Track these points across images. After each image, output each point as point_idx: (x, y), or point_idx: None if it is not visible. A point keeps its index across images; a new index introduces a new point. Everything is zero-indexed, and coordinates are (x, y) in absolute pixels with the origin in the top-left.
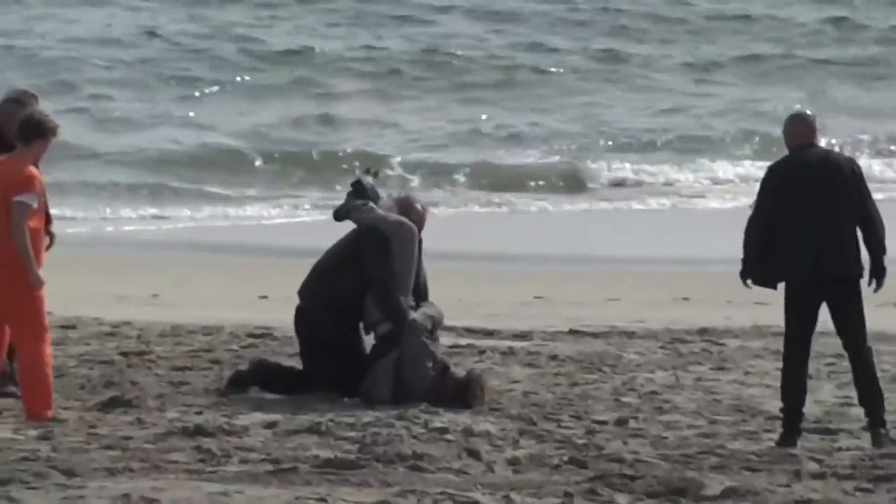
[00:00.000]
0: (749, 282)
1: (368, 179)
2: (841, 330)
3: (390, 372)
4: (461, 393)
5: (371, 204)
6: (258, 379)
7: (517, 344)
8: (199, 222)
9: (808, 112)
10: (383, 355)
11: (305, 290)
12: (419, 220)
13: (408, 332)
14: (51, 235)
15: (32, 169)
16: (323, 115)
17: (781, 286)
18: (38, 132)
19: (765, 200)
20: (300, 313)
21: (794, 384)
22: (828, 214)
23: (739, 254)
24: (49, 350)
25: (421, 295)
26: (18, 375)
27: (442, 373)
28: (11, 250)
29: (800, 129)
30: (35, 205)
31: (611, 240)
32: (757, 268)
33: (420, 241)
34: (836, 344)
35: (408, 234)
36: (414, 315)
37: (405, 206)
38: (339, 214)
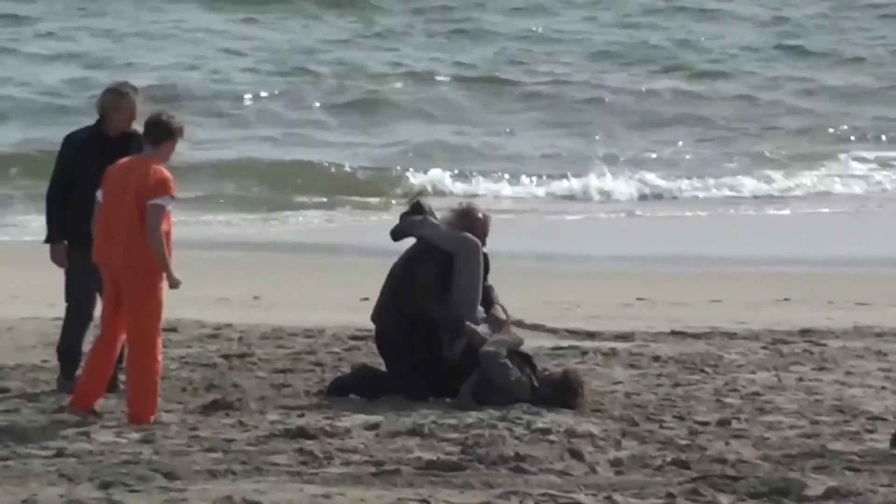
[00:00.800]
0: None
1: (426, 201)
2: None
3: (470, 394)
4: (559, 393)
5: (431, 219)
6: (359, 386)
7: (619, 345)
8: (301, 224)
9: None
10: (466, 375)
11: (378, 316)
12: (482, 230)
13: (485, 361)
14: None
15: (165, 171)
16: None
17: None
18: (166, 133)
19: None
20: (380, 339)
21: None
22: None
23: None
24: (160, 356)
25: (487, 303)
26: (126, 377)
27: (535, 378)
28: (145, 253)
29: None
30: (170, 207)
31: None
32: None
33: (485, 254)
34: None
35: (472, 250)
36: (487, 346)
37: (468, 216)
38: (398, 234)
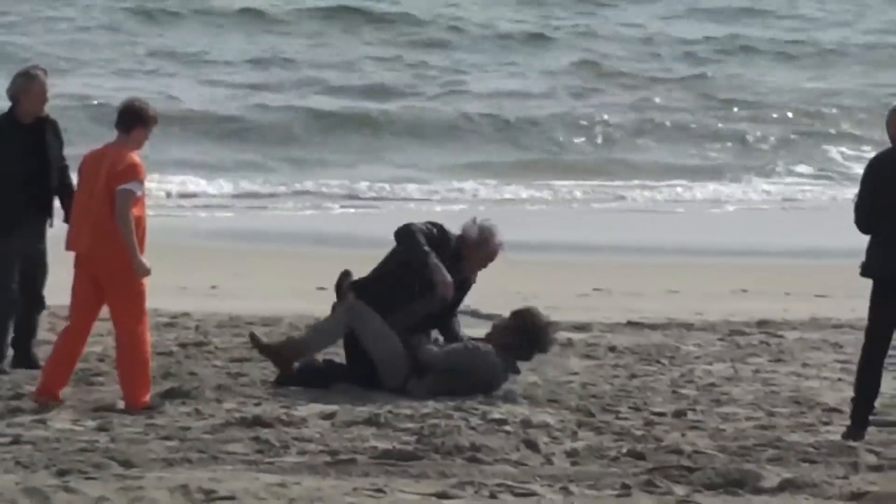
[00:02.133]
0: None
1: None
2: None
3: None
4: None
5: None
6: (312, 376)
7: (576, 336)
8: (259, 213)
9: None
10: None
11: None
12: (490, 256)
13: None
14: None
15: (136, 157)
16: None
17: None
18: (138, 120)
19: (864, 195)
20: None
21: (869, 378)
22: None
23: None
24: (149, 338)
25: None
26: (116, 362)
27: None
28: (117, 239)
29: None
30: (139, 193)
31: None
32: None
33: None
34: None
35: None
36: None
37: (486, 235)
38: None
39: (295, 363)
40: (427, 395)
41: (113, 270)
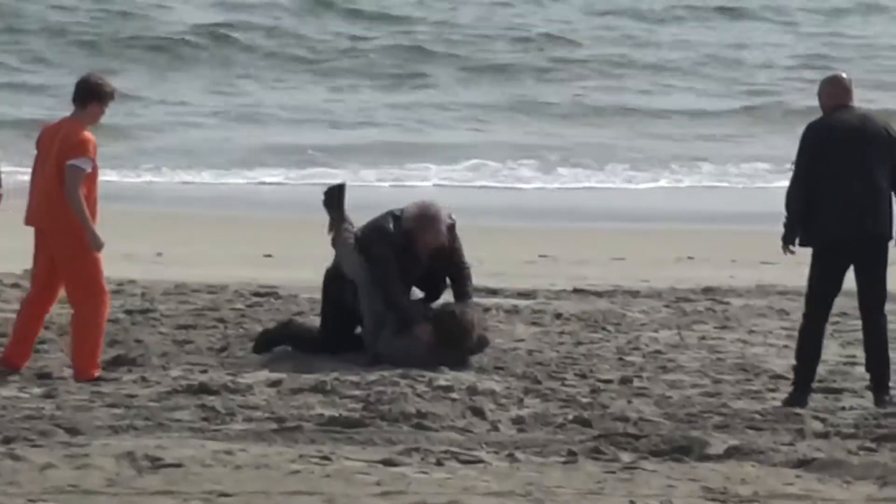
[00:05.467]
0: (792, 247)
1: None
2: (864, 292)
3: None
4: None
5: (348, 226)
6: (286, 338)
7: (521, 302)
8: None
9: (844, 74)
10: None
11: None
12: (431, 242)
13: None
14: None
15: (87, 133)
16: None
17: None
18: (94, 95)
19: (804, 161)
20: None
21: (811, 344)
22: (864, 175)
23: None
24: (106, 312)
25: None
26: (71, 334)
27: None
28: (67, 214)
29: (836, 89)
30: (88, 168)
31: None
32: (801, 228)
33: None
34: (841, 303)
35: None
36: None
37: (425, 220)
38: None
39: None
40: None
41: (64, 245)
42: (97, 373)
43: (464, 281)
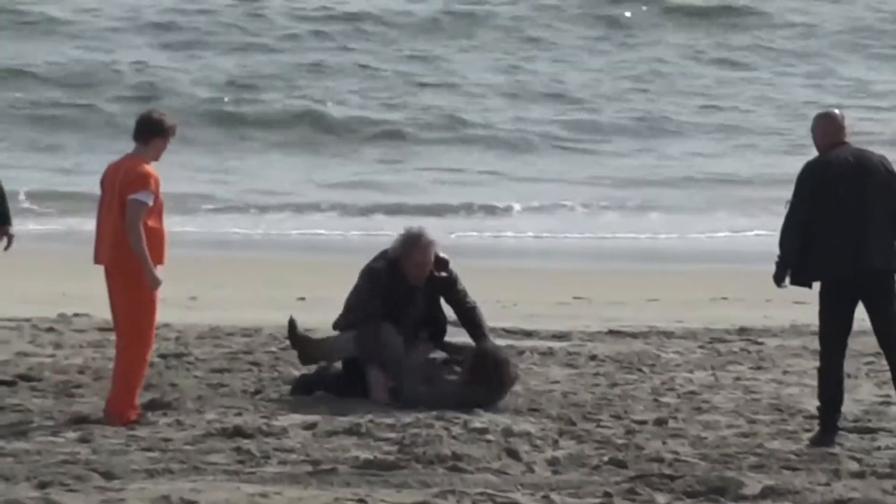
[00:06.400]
0: (785, 283)
1: None
2: (879, 329)
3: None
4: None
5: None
6: (323, 383)
7: (556, 344)
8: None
9: (836, 111)
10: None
11: None
12: (418, 261)
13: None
14: (9, 237)
15: (149, 167)
16: None
17: (816, 285)
18: (156, 131)
19: (801, 199)
20: None
21: (830, 382)
22: (865, 212)
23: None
24: (149, 356)
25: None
26: (113, 374)
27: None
28: (127, 251)
29: (829, 127)
30: (150, 203)
31: None
32: (795, 267)
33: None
34: (874, 343)
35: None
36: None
37: (409, 242)
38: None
39: (313, 363)
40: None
41: (123, 282)
42: (134, 416)
43: (475, 319)
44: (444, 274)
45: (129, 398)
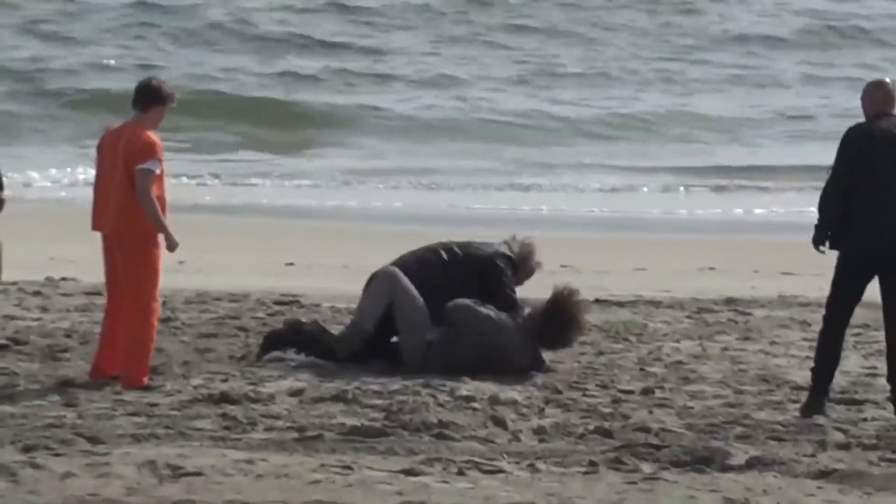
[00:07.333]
0: (823, 248)
1: None
2: (890, 304)
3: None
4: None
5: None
6: (294, 340)
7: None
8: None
9: (888, 80)
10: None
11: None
12: (529, 274)
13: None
14: (1, 201)
15: (152, 135)
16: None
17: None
18: (155, 98)
19: (842, 165)
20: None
21: (830, 349)
22: None
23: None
24: (156, 321)
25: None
26: (122, 341)
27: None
28: (139, 219)
29: (879, 95)
30: (157, 170)
31: None
32: (833, 231)
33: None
34: (863, 315)
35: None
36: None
37: (526, 254)
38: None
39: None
40: (443, 367)
41: (131, 250)
42: (147, 381)
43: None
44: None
45: (143, 366)
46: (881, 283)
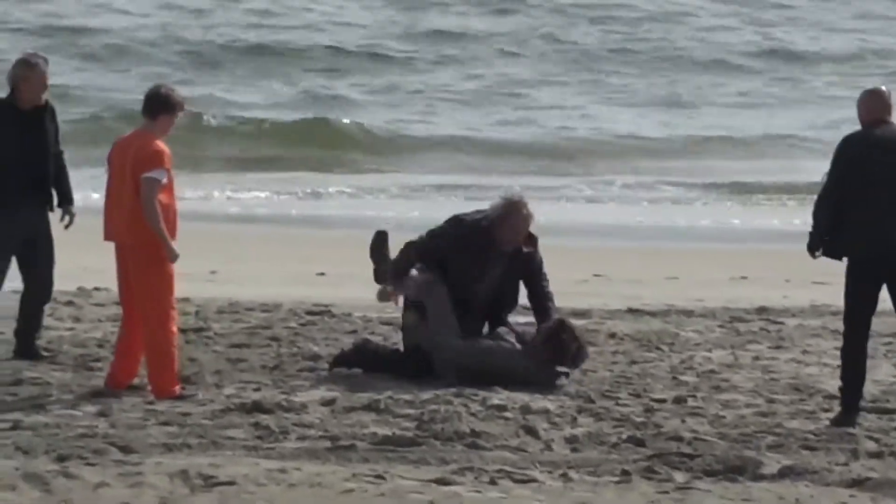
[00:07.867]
0: (818, 254)
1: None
2: None
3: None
4: (556, 343)
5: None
6: (361, 361)
7: (576, 322)
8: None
9: (884, 88)
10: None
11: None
12: (517, 225)
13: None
14: (71, 215)
15: (160, 144)
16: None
17: (845, 260)
18: (164, 107)
19: (837, 172)
20: None
21: (853, 362)
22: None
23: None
24: (174, 329)
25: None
26: (144, 353)
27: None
28: (145, 228)
29: (875, 103)
30: (164, 180)
31: None
32: (827, 239)
33: (526, 253)
34: (893, 324)
35: (434, 294)
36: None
37: (511, 206)
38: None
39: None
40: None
41: (140, 259)
42: (179, 390)
43: (546, 305)
44: (531, 250)
45: (170, 375)
46: (890, 292)
